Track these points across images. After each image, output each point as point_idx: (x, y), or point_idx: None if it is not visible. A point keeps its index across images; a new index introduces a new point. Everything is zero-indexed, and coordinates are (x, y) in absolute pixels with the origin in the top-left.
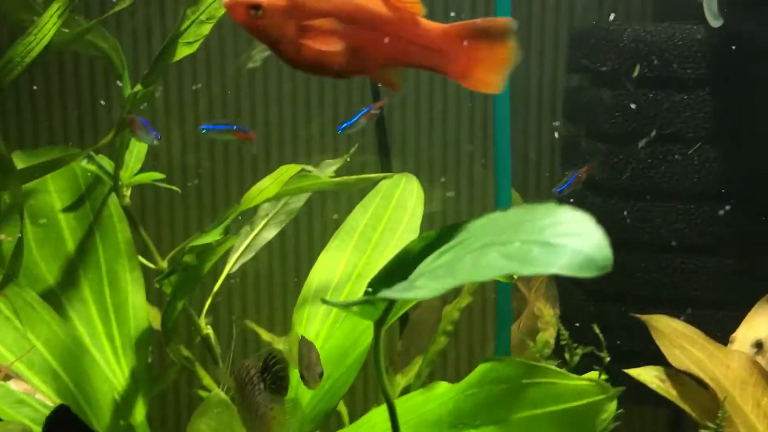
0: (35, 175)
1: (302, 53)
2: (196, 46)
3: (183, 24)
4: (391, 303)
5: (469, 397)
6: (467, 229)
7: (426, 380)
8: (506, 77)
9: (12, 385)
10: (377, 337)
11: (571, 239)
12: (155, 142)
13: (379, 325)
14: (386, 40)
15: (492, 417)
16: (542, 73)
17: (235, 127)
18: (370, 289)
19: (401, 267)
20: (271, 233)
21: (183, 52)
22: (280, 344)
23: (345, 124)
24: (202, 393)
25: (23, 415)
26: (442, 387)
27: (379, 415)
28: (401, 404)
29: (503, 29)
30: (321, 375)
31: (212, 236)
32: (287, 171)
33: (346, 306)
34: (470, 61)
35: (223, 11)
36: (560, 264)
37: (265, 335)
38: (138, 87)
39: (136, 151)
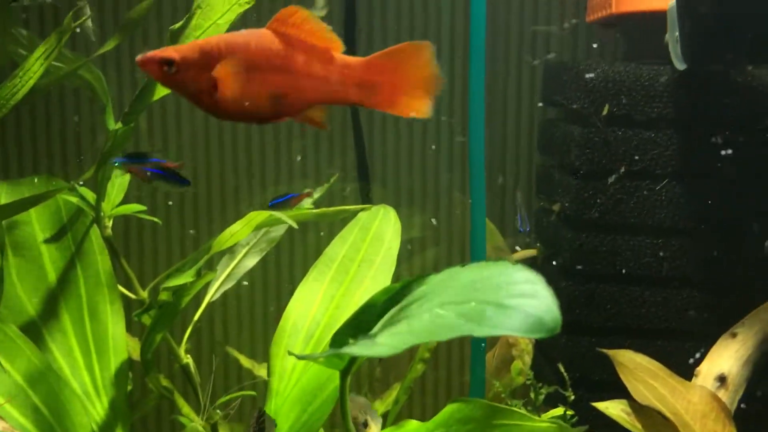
0: (19, 209)
1: (221, 104)
2: None
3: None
4: (351, 360)
5: None
6: (428, 283)
7: (403, 407)
8: (432, 100)
9: None
10: (342, 385)
11: (523, 300)
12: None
13: (344, 374)
14: (304, 81)
15: None
16: (519, 104)
17: (153, 160)
18: (337, 338)
19: (366, 319)
20: (252, 261)
21: (162, 91)
22: (259, 371)
23: (275, 201)
24: (183, 420)
25: None
26: (412, 425)
27: None
28: None
29: (424, 53)
30: None
31: (185, 278)
32: (257, 217)
33: (313, 358)
34: (395, 89)
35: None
36: (512, 326)
37: (246, 362)
38: (119, 125)
39: (119, 182)
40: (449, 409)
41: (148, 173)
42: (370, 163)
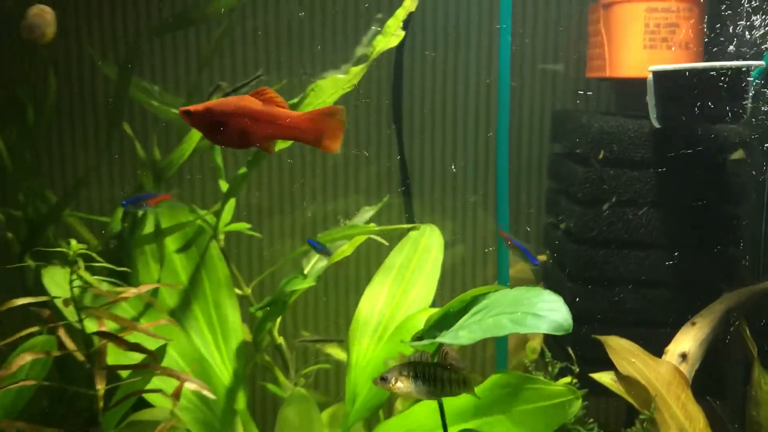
0: (173, 231)
1: (218, 136)
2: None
3: None
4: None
5: (484, 397)
6: (488, 298)
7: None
8: (340, 143)
9: (188, 385)
10: (434, 360)
11: (551, 313)
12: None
13: (434, 354)
14: (267, 126)
15: (500, 409)
16: (531, 142)
17: (150, 195)
18: (428, 332)
19: (447, 321)
20: (322, 264)
21: (279, 145)
22: (327, 350)
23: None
24: (271, 387)
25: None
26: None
27: (421, 408)
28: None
29: (337, 114)
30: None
31: (307, 283)
32: (359, 234)
33: (416, 346)
34: (318, 133)
35: None
36: (543, 328)
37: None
38: (243, 169)
39: (228, 206)
40: (492, 378)
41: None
42: (412, 185)
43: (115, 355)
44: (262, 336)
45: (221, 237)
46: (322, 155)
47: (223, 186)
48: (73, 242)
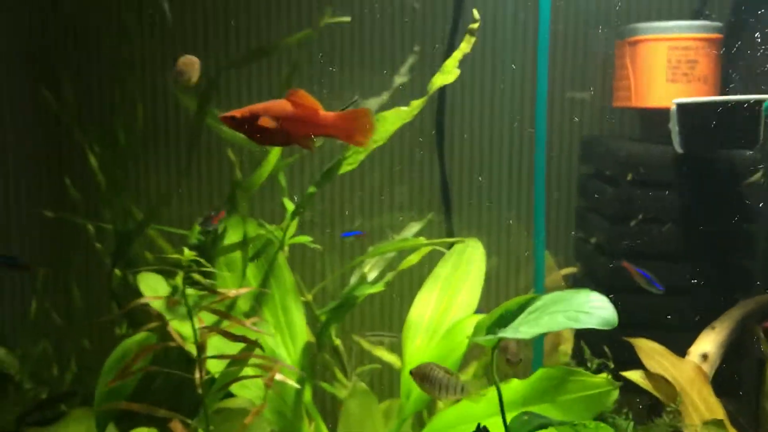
0: (249, 243)
1: (260, 137)
2: (354, 165)
3: (347, 151)
4: (500, 338)
5: (532, 388)
6: (542, 300)
7: (482, 379)
8: (370, 140)
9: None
10: (493, 354)
11: (599, 310)
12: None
13: (493, 349)
14: (301, 124)
15: (546, 399)
16: (560, 164)
17: (213, 214)
18: (489, 329)
19: (505, 319)
20: (374, 274)
21: (345, 169)
22: (375, 352)
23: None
24: (325, 385)
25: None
26: (515, 382)
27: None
28: (492, 391)
29: (366, 115)
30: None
31: (376, 288)
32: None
33: (479, 341)
34: (349, 131)
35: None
36: (594, 322)
37: (366, 345)
38: (311, 188)
39: (293, 221)
40: (538, 372)
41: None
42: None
43: (211, 350)
44: (325, 337)
45: (286, 248)
46: (364, 176)
47: (288, 204)
48: (186, 250)
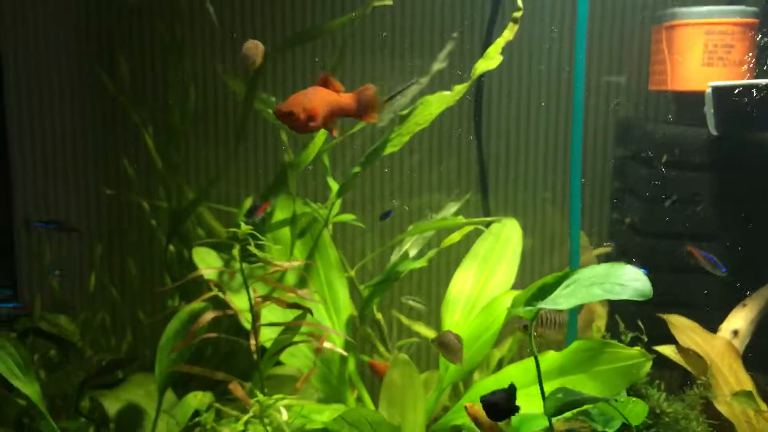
0: (297, 220)
1: (294, 126)
2: (398, 147)
3: (391, 134)
4: (539, 309)
5: (568, 359)
6: (579, 273)
7: (515, 354)
8: (380, 115)
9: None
10: (530, 325)
11: (634, 282)
12: None
13: (532, 319)
14: (331, 105)
15: (581, 369)
16: (596, 146)
17: (258, 204)
18: (528, 301)
19: (543, 291)
20: (414, 251)
21: (388, 150)
22: (415, 327)
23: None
24: (366, 358)
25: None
26: (551, 354)
27: (513, 368)
28: (529, 362)
29: (373, 93)
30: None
31: (420, 263)
32: (464, 226)
33: (518, 311)
34: (362, 107)
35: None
36: (628, 294)
37: (406, 321)
38: (357, 168)
39: (337, 200)
40: (574, 344)
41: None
42: (488, 182)
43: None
44: (368, 310)
45: (330, 226)
46: (404, 158)
47: (332, 184)
48: (242, 224)
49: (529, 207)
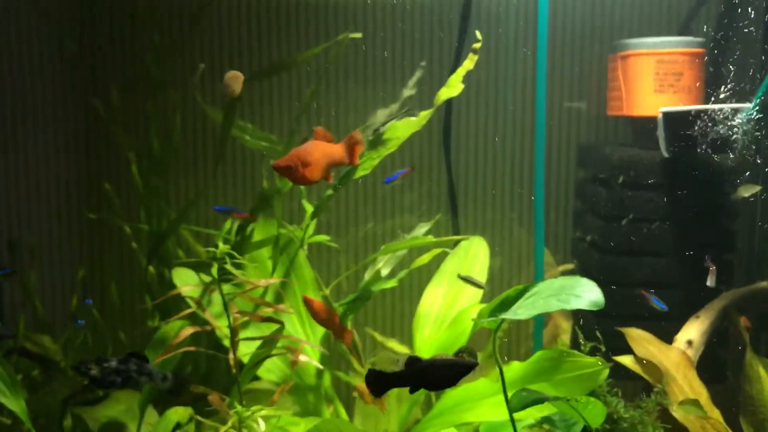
0: (267, 244)
1: (292, 178)
2: (369, 170)
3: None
4: (503, 319)
5: (531, 368)
6: (538, 286)
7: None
8: (359, 159)
9: (301, 357)
10: (495, 335)
11: (588, 294)
12: None
13: (495, 330)
14: (327, 158)
15: (544, 378)
16: (559, 169)
17: (237, 210)
18: (491, 312)
19: (505, 303)
20: (386, 270)
21: (359, 174)
22: (387, 343)
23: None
24: (341, 374)
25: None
26: (515, 364)
27: (481, 381)
28: (494, 373)
29: (359, 139)
30: None
31: (390, 283)
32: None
33: (483, 323)
34: (350, 153)
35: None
36: (583, 304)
37: (379, 337)
38: (330, 191)
39: (312, 222)
40: (537, 354)
41: None
42: (458, 203)
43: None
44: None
45: (305, 246)
46: (377, 180)
47: (307, 206)
48: (221, 244)
49: (497, 227)
